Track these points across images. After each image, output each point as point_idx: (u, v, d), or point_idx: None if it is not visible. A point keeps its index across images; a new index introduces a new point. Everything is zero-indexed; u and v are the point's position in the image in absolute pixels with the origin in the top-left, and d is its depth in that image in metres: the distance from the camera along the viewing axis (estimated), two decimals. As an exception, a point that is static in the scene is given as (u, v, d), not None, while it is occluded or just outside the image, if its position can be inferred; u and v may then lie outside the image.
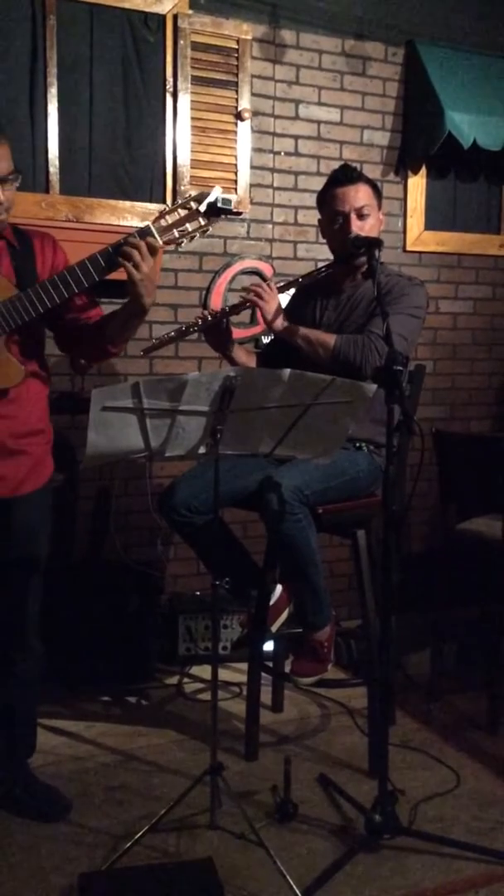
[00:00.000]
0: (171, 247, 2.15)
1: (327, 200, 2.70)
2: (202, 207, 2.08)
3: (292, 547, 2.49)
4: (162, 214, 2.12)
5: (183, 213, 2.10)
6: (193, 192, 2.13)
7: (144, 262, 2.08)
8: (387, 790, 2.20)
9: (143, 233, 2.09)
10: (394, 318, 2.40)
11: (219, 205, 2.09)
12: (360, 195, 2.65)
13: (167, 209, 2.13)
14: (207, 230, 2.15)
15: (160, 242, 2.09)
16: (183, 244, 2.16)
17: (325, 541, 2.90)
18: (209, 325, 2.68)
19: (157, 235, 2.09)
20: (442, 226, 4.16)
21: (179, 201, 2.13)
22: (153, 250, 2.09)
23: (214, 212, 2.10)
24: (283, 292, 2.73)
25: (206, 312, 2.75)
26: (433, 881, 2.13)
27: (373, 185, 2.70)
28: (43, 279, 2.15)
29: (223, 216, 2.17)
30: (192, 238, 2.14)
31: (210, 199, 2.08)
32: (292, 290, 2.85)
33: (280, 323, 2.65)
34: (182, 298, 3.65)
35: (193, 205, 2.09)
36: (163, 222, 2.10)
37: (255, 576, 2.76)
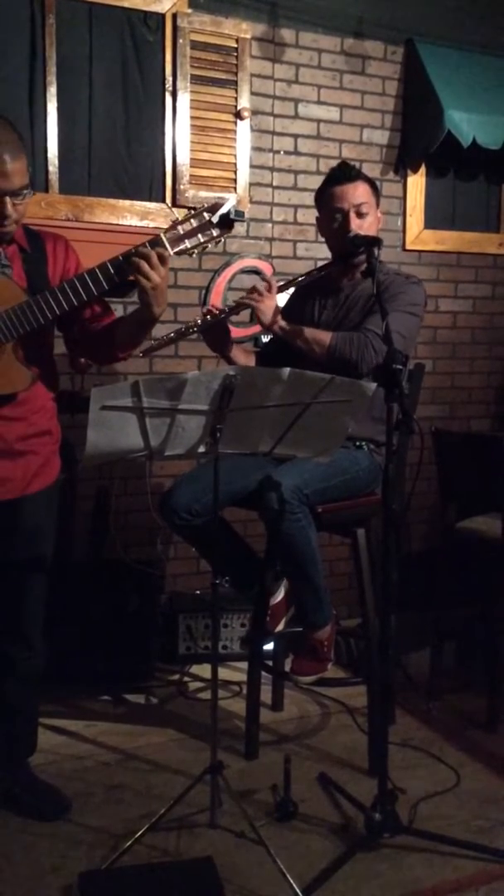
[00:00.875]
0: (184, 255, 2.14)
1: (326, 199, 2.70)
2: (215, 219, 2.07)
3: (292, 546, 2.49)
4: (174, 224, 2.11)
5: (195, 223, 2.09)
6: (200, 200, 2.12)
7: (155, 272, 2.07)
8: (387, 789, 2.20)
9: (154, 243, 2.08)
10: (391, 315, 2.39)
11: (231, 216, 2.08)
12: (358, 193, 2.64)
13: (179, 219, 2.11)
14: (220, 241, 2.15)
15: (170, 252, 2.09)
16: (193, 254, 2.16)
17: (324, 540, 2.90)
18: (208, 325, 2.67)
19: (167, 245, 2.08)
20: (441, 224, 4.16)
21: (192, 211, 2.12)
22: (163, 261, 2.08)
23: (227, 223, 2.09)
24: (282, 292, 2.73)
25: (205, 311, 2.75)
26: (433, 880, 2.13)
27: (371, 182, 2.70)
28: (54, 283, 2.14)
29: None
30: (204, 249, 2.13)
31: (223, 210, 2.07)
32: (290, 290, 2.85)
33: (277, 324, 2.64)
34: (182, 297, 3.65)
35: (206, 216, 2.08)
36: (174, 232, 2.10)
37: (260, 572, 2.76)
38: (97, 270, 2.10)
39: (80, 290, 2.10)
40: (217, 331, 2.72)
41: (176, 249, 2.09)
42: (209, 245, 2.12)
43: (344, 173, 2.67)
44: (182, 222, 2.10)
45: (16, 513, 2.24)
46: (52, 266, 2.24)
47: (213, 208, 2.08)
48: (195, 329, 2.67)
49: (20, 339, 2.11)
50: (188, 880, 2.05)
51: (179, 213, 2.14)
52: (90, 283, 2.10)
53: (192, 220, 2.10)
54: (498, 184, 4.27)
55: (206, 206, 2.10)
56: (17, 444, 2.20)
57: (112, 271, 2.10)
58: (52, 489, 2.32)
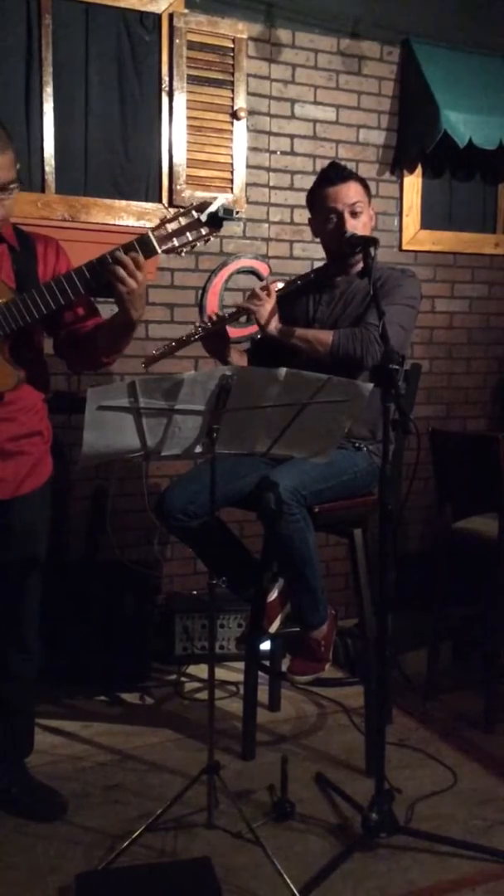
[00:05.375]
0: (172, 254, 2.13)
1: (319, 200, 2.70)
2: (203, 217, 2.06)
3: (290, 547, 2.49)
4: (163, 222, 2.09)
5: (184, 221, 2.08)
6: (196, 201, 2.11)
7: (132, 279, 2.06)
8: (383, 789, 2.20)
9: (142, 241, 2.07)
10: (389, 308, 2.39)
11: (220, 215, 2.06)
12: (352, 193, 2.65)
13: (168, 217, 2.10)
14: (209, 239, 2.14)
15: (159, 251, 2.08)
16: (182, 253, 2.15)
17: (321, 540, 2.90)
18: (209, 332, 2.67)
19: (156, 244, 2.07)
20: (438, 225, 4.16)
21: (181, 209, 2.10)
22: (139, 266, 2.07)
23: (216, 222, 2.08)
24: (281, 294, 2.71)
25: (205, 319, 2.74)
26: (430, 880, 2.13)
27: (362, 181, 2.70)
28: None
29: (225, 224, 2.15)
30: (193, 247, 2.12)
31: (212, 208, 2.05)
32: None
33: (275, 326, 2.63)
34: (178, 298, 3.65)
35: (195, 214, 2.07)
36: (163, 230, 2.08)
37: (256, 573, 2.76)
38: (84, 268, 2.09)
39: (68, 288, 2.08)
40: (217, 336, 2.71)
41: (164, 248, 2.08)
42: (198, 244, 2.11)
43: (336, 173, 2.67)
44: (170, 220, 2.09)
45: (8, 513, 2.23)
46: (43, 267, 2.23)
47: (202, 206, 2.07)
48: (196, 338, 2.66)
49: (8, 339, 2.11)
50: (185, 881, 2.04)
51: (175, 214, 2.13)
52: (77, 282, 2.08)
53: (180, 219, 2.08)
54: (494, 184, 4.28)
55: (194, 204, 2.09)
56: (7, 444, 2.19)
57: (88, 276, 2.08)
58: (45, 489, 2.32)
